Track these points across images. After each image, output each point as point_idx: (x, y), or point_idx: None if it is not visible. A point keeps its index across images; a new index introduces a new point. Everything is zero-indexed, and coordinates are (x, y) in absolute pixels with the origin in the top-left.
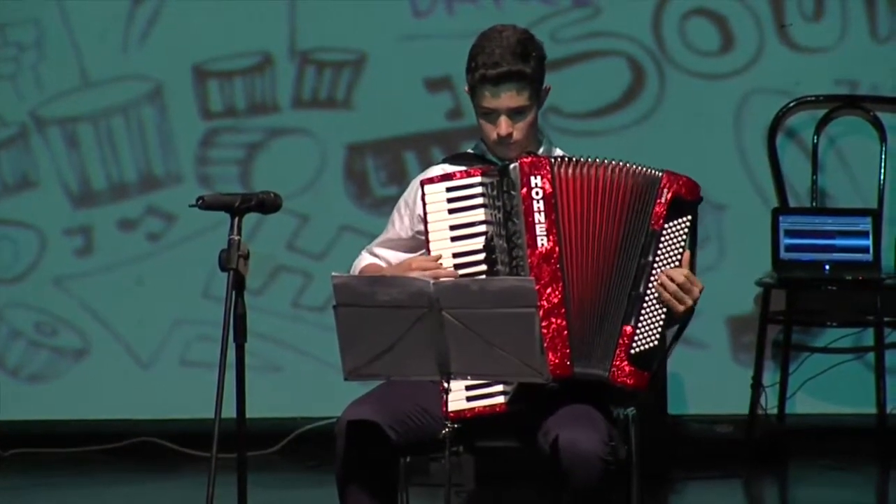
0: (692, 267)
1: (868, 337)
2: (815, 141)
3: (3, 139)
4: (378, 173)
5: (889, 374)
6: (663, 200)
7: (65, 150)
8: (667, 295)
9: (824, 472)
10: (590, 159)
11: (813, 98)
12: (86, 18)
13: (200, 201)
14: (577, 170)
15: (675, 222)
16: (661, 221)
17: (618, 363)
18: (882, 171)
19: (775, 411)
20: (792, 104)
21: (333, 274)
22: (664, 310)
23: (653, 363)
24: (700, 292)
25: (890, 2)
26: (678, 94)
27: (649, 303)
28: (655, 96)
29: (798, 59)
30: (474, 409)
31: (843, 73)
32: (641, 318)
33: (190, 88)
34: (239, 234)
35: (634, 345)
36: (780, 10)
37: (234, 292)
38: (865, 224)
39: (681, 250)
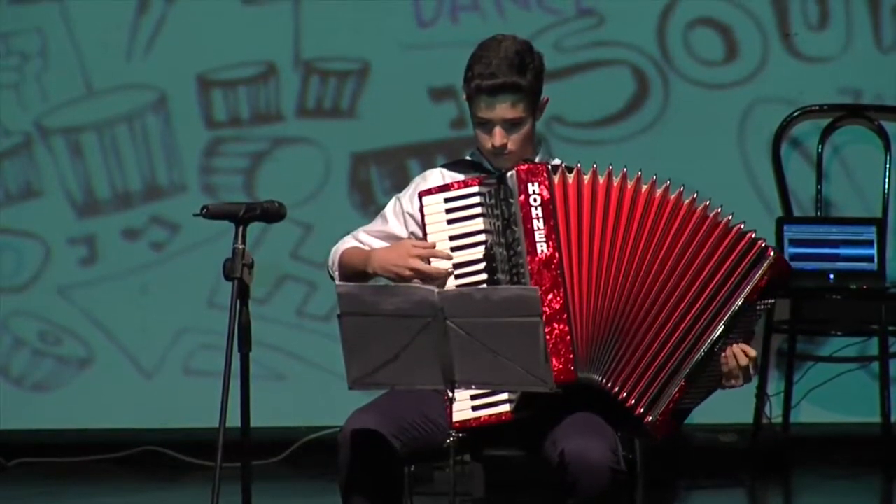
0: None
1: (872, 346)
2: (820, 150)
3: (7, 148)
4: (382, 182)
5: (893, 384)
6: (767, 276)
7: (69, 159)
8: (726, 369)
9: (828, 482)
10: (626, 171)
11: (817, 107)
12: (90, 28)
13: (205, 210)
14: (583, 179)
15: (764, 301)
16: (756, 296)
17: (662, 415)
18: (886, 180)
19: (780, 420)
20: (796, 113)
21: (338, 283)
22: (718, 376)
23: (684, 420)
24: (753, 377)
25: (894, 11)
26: (682, 103)
27: (712, 367)
28: (660, 105)
29: (802, 69)
30: (479, 417)
31: (847, 82)
32: (701, 378)
33: (194, 98)
34: (243, 243)
35: (683, 400)
36: (785, 20)
37: (238, 301)
38: (870, 233)
39: (754, 327)
